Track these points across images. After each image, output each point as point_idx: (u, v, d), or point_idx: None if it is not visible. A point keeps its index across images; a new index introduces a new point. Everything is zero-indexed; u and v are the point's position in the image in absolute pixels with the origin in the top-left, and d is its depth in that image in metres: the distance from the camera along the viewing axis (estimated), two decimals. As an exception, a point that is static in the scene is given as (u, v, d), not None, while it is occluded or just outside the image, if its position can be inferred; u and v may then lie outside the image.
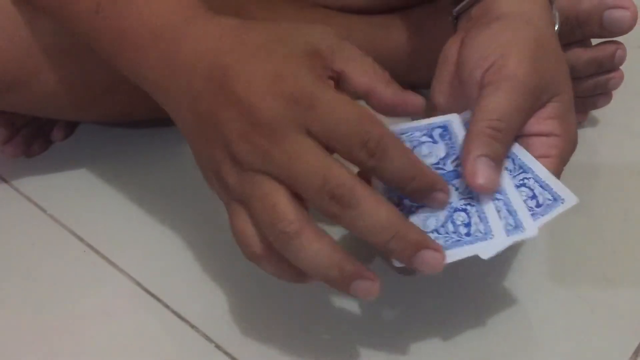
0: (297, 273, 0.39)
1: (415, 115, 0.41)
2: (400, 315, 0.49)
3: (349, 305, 0.49)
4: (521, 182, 0.40)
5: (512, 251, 0.52)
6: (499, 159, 0.40)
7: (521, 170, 0.41)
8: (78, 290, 0.52)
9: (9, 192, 0.59)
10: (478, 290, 0.50)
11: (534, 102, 0.41)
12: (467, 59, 0.42)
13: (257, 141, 0.36)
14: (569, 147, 0.42)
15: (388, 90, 0.40)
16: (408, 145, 0.42)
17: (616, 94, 0.60)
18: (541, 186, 0.40)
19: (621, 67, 0.57)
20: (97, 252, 0.54)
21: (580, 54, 0.56)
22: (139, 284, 0.52)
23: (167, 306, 0.50)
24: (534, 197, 0.40)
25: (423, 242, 0.37)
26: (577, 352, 0.46)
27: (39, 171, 0.61)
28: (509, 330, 0.48)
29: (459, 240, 0.39)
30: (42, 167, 0.61)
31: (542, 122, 0.41)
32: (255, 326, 0.48)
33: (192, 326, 0.49)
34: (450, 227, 0.39)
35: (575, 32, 0.55)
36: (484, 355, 0.46)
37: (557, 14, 0.47)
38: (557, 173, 0.41)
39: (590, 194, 0.57)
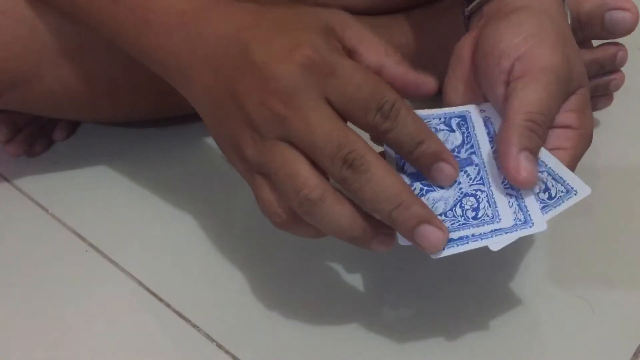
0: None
1: (426, 96, 0.42)
2: (401, 315, 0.49)
3: (351, 304, 0.49)
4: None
5: (513, 251, 0.52)
6: (537, 152, 0.40)
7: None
8: (79, 289, 0.52)
9: (11, 191, 0.59)
10: (479, 291, 0.50)
11: (567, 93, 0.41)
12: (489, 51, 0.41)
13: (276, 107, 0.37)
14: (585, 141, 0.42)
15: (399, 69, 0.41)
16: None
17: (617, 96, 0.60)
18: (554, 179, 0.39)
19: (622, 69, 0.58)
20: (98, 251, 0.54)
21: (581, 55, 0.56)
22: (140, 283, 0.52)
23: (168, 305, 0.50)
24: (546, 189, 0.39)
25: (426, 216, 0.38)
26: (578, 352, 0.46)
27: (41, 170, 0.61)
28: (509, 331, 0.48)
29: (465, 223, 0.39)
30: (43, 166, 0.61)
31: (562, 114, 0.41)
32: (257, 325, 0.49)
33: (194, 325, 0.49)
34: (459, 211, 0.40)
35: (576, 33, 0.54)
36: (485, 355, 0.46)
37: (568, 11, 0.47)
38: (571, 166, 0.41)
39: (591, 195, 0.56)
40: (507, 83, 0.41)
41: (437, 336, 0.47)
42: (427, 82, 0.41)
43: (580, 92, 0.42)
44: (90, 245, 0.55)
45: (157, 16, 0.42)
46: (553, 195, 0.39)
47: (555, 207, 0.39)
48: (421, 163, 0.40)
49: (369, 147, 0.38)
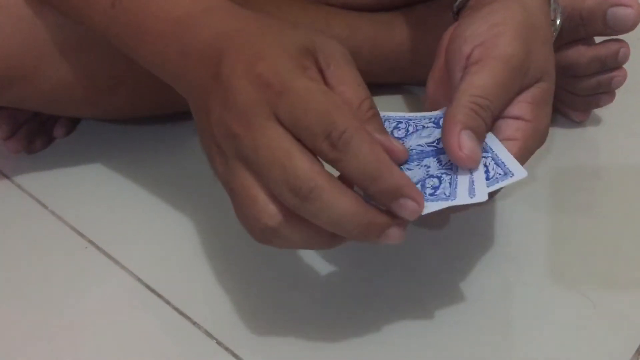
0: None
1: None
2: (400, 312, 0.48)
3: (351, 301, 0.49)
4: None
5: (515, 249, 0.52)
6: (481, 135, 0.40)
7: (482, 151, 0.41)
8: (79, 286, 0.52)
9: (11, 188, 0.59)
10: (479, 289, 0.50)
11: (521, 82, 0.41)
12: (455, 39, 0.42)
13: (231, 124, 0.36)
14: (536, 135, 0.42)
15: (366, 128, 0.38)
16: (411, 128, 0.43)
17: (619, 93, 0.59)
18: (496, 163, 0.40)
19: (624, 66, 0.57)
20: (98, 248, 0.54)
21: (583, 52, 0.56)
22: (140, 280, 0.52)
23: (168, 302, 0.50)
24: (486, 171, 0.40)
25: (386, 223, 0.37)
26: (579, 350, 0.46)
27: (41, 167, 0.61)
28: (510, 329, 0.47)
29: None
30: (44, 163, 0.61)
31: (515, 105, 0.41)
32: (257, 323, 0.48)
33: (194, 323, 0.49)
34: (419, 187, 0.40)
35: (578, 30, 0.55)
36: (486, 352, 0.46)
37: (559, 9, 0.47)
38: (519, 157, 0.41)
39: (593, 193, 0.57)
40: (466, 68, 0.41)
41: (437, 335, 0.47)
42: (395, 150, 0.39)
43: (539, 85, 0.42)
44: (90, 242, 0.55)
45: (153, 24, 0.41)
46: (491, 176, 0.40)
47: (490, 186, 0.39)
48: (378, 200, 0.37)
49: (317, 169, 0.36)
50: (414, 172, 0.41)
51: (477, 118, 0.39)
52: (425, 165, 0.41)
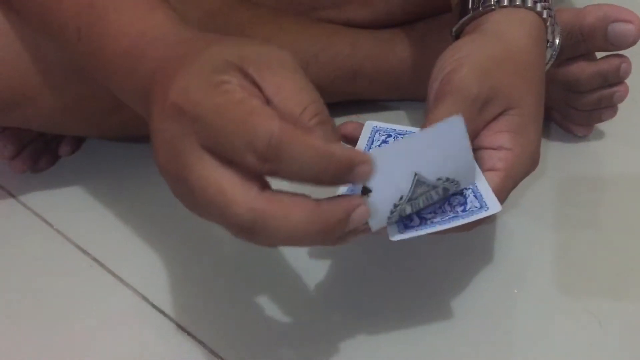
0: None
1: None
2: (401, 328, 0.48)
3: (353, 310, 0.49)
4: (460, 192, 0.42)
5: (520, 264, 0.52)
6: None
7: None
8: (84, 303, 0.52)
9: (16, 207, 0.60)
10: (482, 305, 0.49)
11: (478, 112, 0.42)
12: (432, 71, 0.44)
13: (166, 169, 0.35)
14: (520, 161, 0.42)
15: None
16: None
17: (621, 108, 0.60)
18: (475, 196, 0.41)
19: (626, 81, 0.57)
20: (103, 266, 0.54)
21: (584, 68, 0.56)
22: (144, 298, 0.52)
23: (172, 320, 0.50)
24: (464, 203, 0.41)
25: (346, 213, 0.35)
26: (585, 366, 0.46)
27: (46, 186, 0.61)
28: (515, 344, 0.47)
29: (455, 217, 0.41)
30: (48, 182, 0.61)
31: (492, 135, 0.42)
32: (261, 340, 0.48)
33: (198, 341, 0.49)
34: (447, 207, 0.41)
35: (579, 45, 0.55)
36: (490, 370, 0.46)
37: (557, 29, 0.48)
38: (502, 187, 0.42)
39: (597, 207, 0.57)
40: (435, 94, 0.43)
41: (440, 348, 0.47)
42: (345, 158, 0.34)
43: (513, 113, 0.42)
44: (95, 260, 0.55)
45: (110, 56, 0.40)
46: (467, 208, 0.41)
47: (463, 218, 0.40)
48: (335, 184, 0.35)
49: (252, 196, 0.33)
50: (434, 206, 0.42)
51: None
52: (443, 203, 0.42)
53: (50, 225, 0.58)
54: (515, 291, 0.50)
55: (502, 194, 0.42)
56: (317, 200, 0.35)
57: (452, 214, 0.41)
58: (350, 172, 0.34)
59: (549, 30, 0.47)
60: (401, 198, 0.38)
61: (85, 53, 0.42)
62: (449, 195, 0.42)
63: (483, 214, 0.40)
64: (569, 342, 0.47)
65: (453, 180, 0.40)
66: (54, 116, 0.54)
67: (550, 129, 0.62)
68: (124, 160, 0.63)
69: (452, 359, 0.47)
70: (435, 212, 0.41)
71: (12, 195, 0.61)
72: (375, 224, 0.38)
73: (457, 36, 0.48)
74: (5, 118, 0.54)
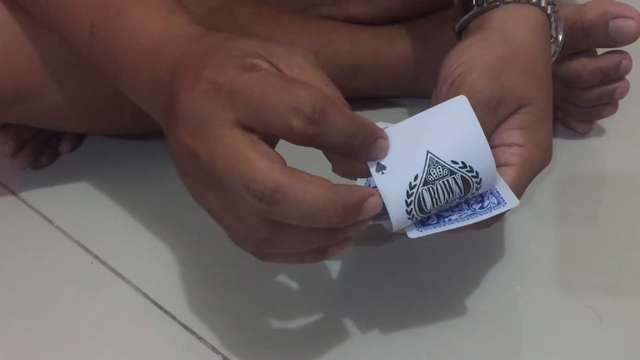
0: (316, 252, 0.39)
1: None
2: (404, 327, 0.48)
3: (356, 311, 0.49)
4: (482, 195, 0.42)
5: (521, 260, 0.52)
6: None
7: None
8: (85, 301, 0.52)
9: (17, 204, 0.59)
10: (484, 301, 0.49)
11: (494, 113, 0.42)
12: (440, 73, 0.44)
13: (187, 144, 0.35)
14: (534, 156, 0.42)
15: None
16: None
17: (622, 104, 0.60)
18: (491, 192, 0.41)
19: (627, 77, 0.57)
20: (104, 263, 0.54)
21: (585, 64, 0.56)
22: (146, 296, 0.52)
23: (174, 317, 0.50)
24: (481, 201, 0.42)
25: (362, 198, 0.36)
26: (586, 362, 0.46)
27: (47, 183, 0.61)
28: (515, 342, 0.47)
29: (473, 214, 0.41)
30: (49, 179, 0.61)
31: (504, 132, 0.42)
32: (263, 338, 0.48)
33: (199, 338, 0.49)
34: (465, 206, 0.41)
35: (580, 42, 0.55)
36: (492, 366, 0.46)
37: (560, 25, 0.47)
38: (518, 182, 0.42)
39: (598, 204, 0.57)
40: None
41: (441, 346, 0.47)
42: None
43: (524, 110, 0.42)
44: (96, 257, 0.55)
45: (126, 53, 0.41)
46: (485, 205, 0.41)
47: (481, 215, 0.41)
48: (360, 154, 0.37)
49: (278, 168, 0.34)
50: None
51: None
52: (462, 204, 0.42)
53: (51, 222, 0.58)
54: (518, 288, 0.50)
55: (519, 189, 0.42)
56: (336, 184, 0.36)
57: (469, 211, 0.41)
58: (374, 141, 0.37)
59: (553, 25, 0.46)
60: (416, 177, 0.38)
61: (97, 48, 0.43)
62: (471, 196, 0.41)
63: (501, 209, 0.40)
64: (571, 338, 0.47)
65: (471, 169, 0.39)
66: (54, 112, 0.54)
67: (551, 126, 0.62)
68: (125, 157, 0.62)
69: (454, 355, 0.47)
70: (452, 210, 0.41)
71: (13, 192, 0.61)
72: (394, 209, 0.38)
73: (460, 33, 0.48)
74: (6, 114, 0.54)
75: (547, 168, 0.57)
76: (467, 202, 0.42)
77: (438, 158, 0.39)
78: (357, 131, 0.36)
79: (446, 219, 0.41)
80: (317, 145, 0.35)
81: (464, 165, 0.39)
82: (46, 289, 0.53)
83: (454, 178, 0.39)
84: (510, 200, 0.40)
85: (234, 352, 0.48)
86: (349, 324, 0.49)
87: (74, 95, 0.54)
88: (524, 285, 0.50)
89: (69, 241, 0.56)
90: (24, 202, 0.60)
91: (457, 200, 0.40)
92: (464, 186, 0.40)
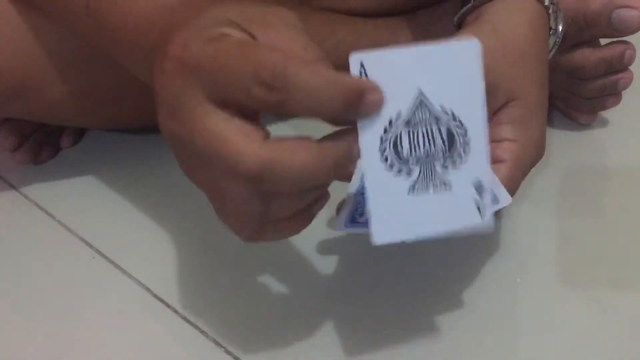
0: (303, 218, 0.38)
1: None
2: (404, 319, 0.48)
3: (356, 306, 0.49)
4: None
5: (520, 253, 0.52)
6: None
7: None
8: (87, 295, 0.52)
9: (18, 198, 0.59)
10: (485, 294, 0.49)
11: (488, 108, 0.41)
12: None
13: (167, 125, 0.35)
14: (527, 151, 0.42)
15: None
16: None
17: (625, 95, 0.59)
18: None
19: (630, 67, 0.57)
20: (106, 257, 0.54)
21: (589, 55, 0.56)
22: (148, 289, 0.52)
23: (176, 311, 0.50)
24: None
25: (349, 144, 0.34)
26: (589, 355, 0.46)
27: (48, 178, 0.61)
28: (517, 335, 0.47)
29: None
30: (50, 173, 0.61)
31: (494, 128, 0.42)
32: (265, 331, 0.48)
33: (202, 331, 0.49)
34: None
35: (583, 32, 0.55)
36: (494, 356, 0.46)
37: (560, 15, 0.47)
38: (512, 178, 0.41)
39: (601, 196, 0.56)
40: None
41: (441, 337, 0.47)
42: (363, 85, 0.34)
43: (514, 104, 0.42)
44: (98, 251, 0.55)
45: (121, 26, 0.41)
46: None
47: None
48: (348, 116, 0.34)
49: (257, 147, 0.33)
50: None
51: None
52: None
53: (53, 217, 0.58)
54: (519, 280, 0.50)
55: (512, 185, 0.42)
56: (319, 140, 0.34)
57: None
58: (360, 99, 0.33)
59: (552, 17, 0.46)
60: (399, 114, 0.35)
61: (93, 27, 0.42)
62: (457, 158, 0.37)
63: (494, 208, 0.39)
64: (573, 331, 0.47)
65: (460, 124, 0.36)
66: (55, 107, 0.54)
67: (553, 117, 0.62)
68: (126, 151, 0.62)
69: (455, 348, 0.47)
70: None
71: (14, 187, 0.61)
72: (367, 140, 0.34)
73: (460, 26, 0.48)
74: (7, 109, 0.54)
75: (549, 159, 0.58)
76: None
77: (427, 99, 0.35)
78: (334, 92, 0.32)
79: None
80: (293, 113, 0.33)
81: (453, 117, 0.36)
82: (47, 284, 0.53)
83: (438, 127, 0.36)
84: (503, 197, 0.40)
85: (236, 346, 0.48)
86: (349, 316, 0.49)
87: (74, 89, 0.54)
88: (525, 277, 0.50)
89: (70, 236, 0.56)
90: (26, 197, 0.60)
91: (440, 157, 0.36)
92: (448, 140, 0.36)
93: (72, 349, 0.48)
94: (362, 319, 0.48)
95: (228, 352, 0.47)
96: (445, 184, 0.36)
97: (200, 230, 0.55)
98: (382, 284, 0.51)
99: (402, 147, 0.35)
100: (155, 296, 0.51)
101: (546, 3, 0.45)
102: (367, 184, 0.35)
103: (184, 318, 0.50)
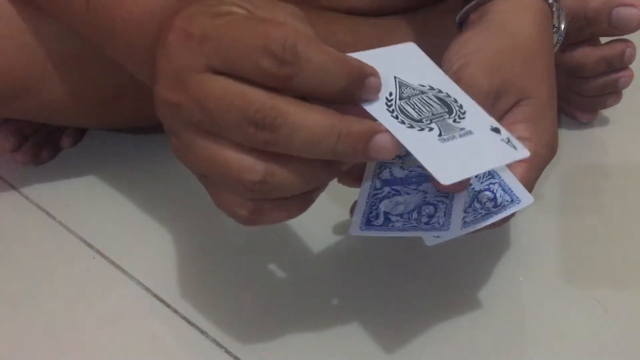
0: (302, 202, 0.37)
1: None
2: (407, 319, 0.48)
3: (359, 307, 0.49)
4: (486, 187, 0.42)
5: (526, 252, 0.52)
6: None
7: (490, 177, 0.42)
8: (87, 296, 0.52)
9: (18, 199, 0.59)
10: (487, 292, 0.49)
11: (492, 106, 0.41)
12: (443, 62, 0.43)
13: (168, 97, 0.34)
14: (541, 150, 0.42)
15: None
16: None
17: (626, 93, 0.59)
18: (503, 190, 0.41)
19: (631, 66, 0.57)
20: (106, 258, 0.54)
21: (589, 53, 0.56)
22: (148, 290, 0.52)
23: (176, 312, 0.50)
24: (494, 199, 0.41)
25: (370, 129, 0.33)
26: (590, 353, 0.46)
27: (48, 178, 0.61)
28: (519, 334, 0.47)
29: (415, 226, 0.40)
30: (51, 174, 0.61)
31: (509, 126, 0.42)
32: (265, 331, 0.48)
33: (202, 331, 0.49)
34: (415, 215, 0.40)
35: (583, 30, 0.55)
36: (495, 355, 0.46)
37: (563, 13, 0.47)
38: (528, 176, 0.41)
39: (601, 194, 0.56)
40: None
41: (444, 337, 0.47)
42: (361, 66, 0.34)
43: (528, 102, 0.42)
44: (98, 252, 0.55)
45: (120, 24, 0.40)
46: (499, 203, 0.41)
47: (497, 214, 0.40)
48: (347, 96, 0.34)
49: (275, 95, 0.32)
50: (411, 197, 0.41)
51: None
52: (422, 191, 0.41)
53: (53, 217, 0.58)
54: (521, 279, 0.50)
55: (529, 185, 0.41)
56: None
57: (483, 212, 0.40)
58: (362, 80, 0.34)
59: (555, 15, 0.46)
60: (391, 94, 0.36)
61: (93, 25, 0.42)
62: (459, 119, 0.37)
63: (516, 207, 0.40)
64: (575, 330, 0.47)
65: (439, 90, 0.37)
66: (54, 107, 0.54)
67: (554, 116, 0.62)
68: (126, 151, 0.62)
69: (456, 346, 0.46)
70: (467, 212, 0.41)
71: (14, 188, 0.61)
72: (378, 111, 0.35)
73: (461, 24, 0.47)
74: (7, 109, 0.54)
75: (550, 159, 0.58)
76: (479, 201, 0.41)
77: (406, 82, 0.36)
78: (340, 69, 0.33)
79: (466, 219, 0.40)
80: (297, 90, 0.33)
81: (432, 87, 0.37)
82: (48, 284, 0.53)
83: (427, 95, 0.37)
84: (525, 197, 0.40)
85: (237, 346, 0.48)
86: (352, 315, 0.49)
87: (74, 88, 0.54)
88: (527, 276, 0.50)
89: (70, 236, 0.56)
90: (26, 197, 0.60)
91: (446, 115, 0.37)
92: (442, 102, 0.37)
93: (72, 349, 0.48)
94: (363, 320, 0.48)
95: (228, 352, 0.47)
96: (466, 131, 0.36)
97: (200, 231, 0.55)
98: (383, 284, 0.50)
99: (409, 112, 0.36)
100: (155, 296, 0.51)
101: (550, 0, 0.45)
102: (403, 142, 0.35)
103: (184, 318, 0.50)
